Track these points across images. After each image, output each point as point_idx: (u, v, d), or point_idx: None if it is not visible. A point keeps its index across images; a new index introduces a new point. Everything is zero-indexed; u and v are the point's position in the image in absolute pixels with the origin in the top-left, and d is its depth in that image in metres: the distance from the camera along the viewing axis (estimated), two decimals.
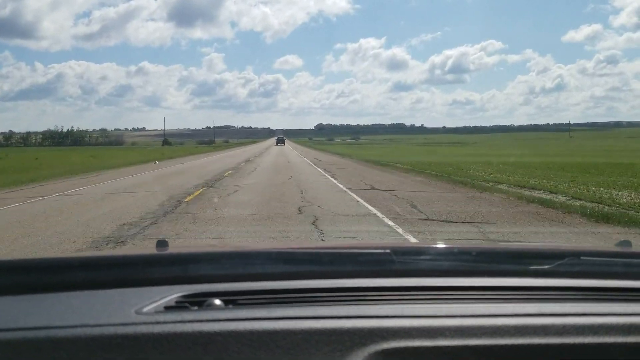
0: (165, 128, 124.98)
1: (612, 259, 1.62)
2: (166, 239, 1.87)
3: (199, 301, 1.19)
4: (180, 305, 1.18)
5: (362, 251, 1.66)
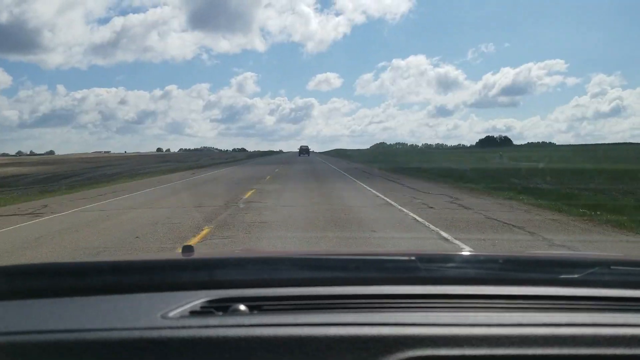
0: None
1: None
2: (192, 245, 1.89)
3: (224, 306, 1.20)
4: (206, 310, 1.19)
5: (387, 258, 1.66)
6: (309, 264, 1.56)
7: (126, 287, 1.35)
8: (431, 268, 1.47)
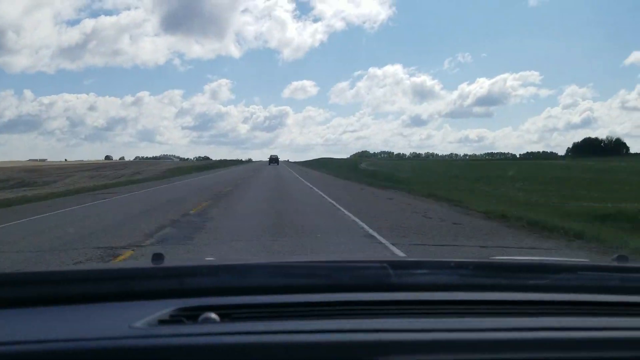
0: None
1: (609, 274, 1.61)
2: (162, 253, 1.85)
3: (194, 315, 1.18)
4: (175, 319, 1.17)
5: (359, 265, 1.66)
6: (280, 271, 1.55)
7: (94, 296, 1.32)
8: (403, 274, 1.47)
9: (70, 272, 1.65)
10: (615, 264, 1.76)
